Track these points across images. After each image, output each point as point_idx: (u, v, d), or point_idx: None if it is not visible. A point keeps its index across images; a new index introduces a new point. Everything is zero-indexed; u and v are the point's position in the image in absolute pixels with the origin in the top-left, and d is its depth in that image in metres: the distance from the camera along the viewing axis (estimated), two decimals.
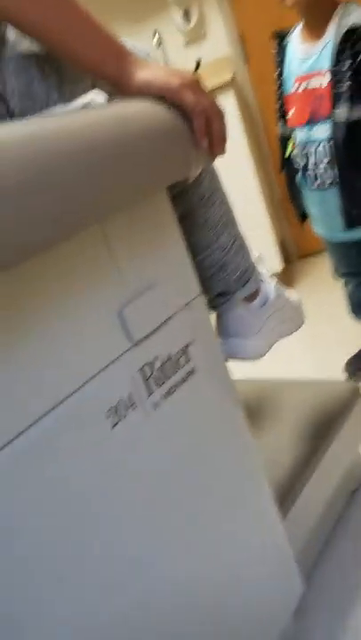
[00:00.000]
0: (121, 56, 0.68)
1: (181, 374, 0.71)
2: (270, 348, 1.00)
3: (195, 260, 0.90)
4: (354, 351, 1.72)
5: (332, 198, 1.34)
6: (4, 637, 0.52)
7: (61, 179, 0.51)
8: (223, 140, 0.72)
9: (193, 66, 2.54)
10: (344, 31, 1.18)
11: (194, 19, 2.60)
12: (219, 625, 0.77)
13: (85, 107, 0.70)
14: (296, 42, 1.35)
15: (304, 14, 1.29)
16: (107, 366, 0.62)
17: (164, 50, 2.66)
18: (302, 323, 1.10)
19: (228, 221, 0.91)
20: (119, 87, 0.69)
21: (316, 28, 1.27)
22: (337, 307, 2.14)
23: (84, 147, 0.54)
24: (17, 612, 0.53)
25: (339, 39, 1.19)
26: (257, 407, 1.25)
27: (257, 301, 0.95)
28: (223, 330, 0.95)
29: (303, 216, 1.51)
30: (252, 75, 2.66)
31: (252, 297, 0.95)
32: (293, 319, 1.07)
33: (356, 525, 1.17)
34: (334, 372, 1.71)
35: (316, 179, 1.35)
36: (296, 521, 0.99)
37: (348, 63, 1.19)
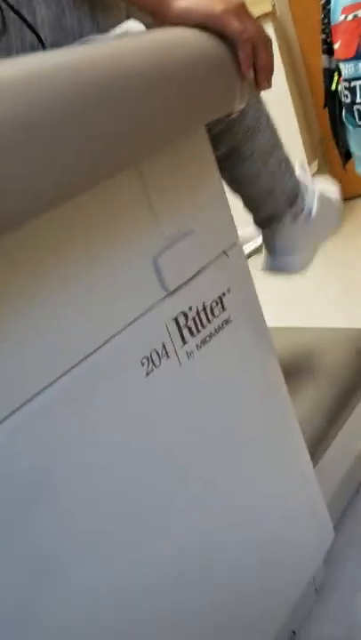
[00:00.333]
0: None
1: (217, 323, 0.70)
2: (315, 254, 1.00)
3: (243, 190, 0.88)
4: None
5: None
6: (44, 583, 0.53)
7: (90, 113, 0.47)
8: (270, 71, 0.67)
9: None
10: None
11: None
12: (251, 570, 0.78)
13: (121, 36, 0.66)
14: None
15: None
16: (141, 315, 0.61)
17: None
18: (339, 223, 1.10)
19: (275, 144, 0.88)
20: (158, 16, 0.64)
21: None
22: None
23: (117, 78, 0.50)
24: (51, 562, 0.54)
25: None
26: (291, 355, 1.23)
27: (303, 216, 0.94)
28: (272, 249, 0.95)
29: (346, 156, 1.43)
30: (292, 5, 2.49)
31: (299, 212, 0.93)
32: (333, 221, 1.06)
33: None
34: None
35: None
36: (327, 469, 0.99)
37: None
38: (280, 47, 2.28)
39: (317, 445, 0.99)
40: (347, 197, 2.84)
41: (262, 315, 0.78)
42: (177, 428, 0.66)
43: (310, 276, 2.22)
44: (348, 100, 1.29)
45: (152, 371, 0.62)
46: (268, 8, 2.15)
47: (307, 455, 0.88)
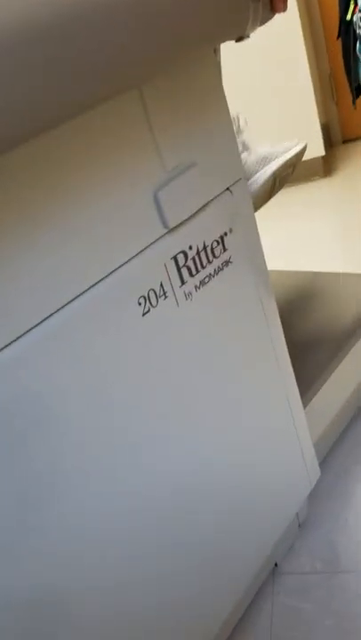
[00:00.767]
0: None
1: (217, 264, 0.68)
2: None
3: None
4: None
5: None
6: (38, 505, 0.54)
7: (91, 27, 0.43)
8: None
9: None
10: None
11: None
12: (238, 505, 0.80)
13: None
14: None
15: None
16: (139, 253, 0.59)
17: None
18: None
19: None
20: None
21: None
22: None
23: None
24: (48, 482, 0.55)
25: None
26: (289, 298, 1.23)
27: None
28: None
29: (357, 91, 1.37)
30: None
31: None
32: None
33: None
34: None
35: None
36: (317, 410, 1.01)
37: None
38: None
39: (310, 386, 1.00)
40: (349, 139, 2.77)
41: (263, 257, 0.76)
42: (173, 369, 0.66)
43: (308, 218, 2.18)
44: None
45: (148, 311, 0.61)
46: None
47: (297, 396, 0.89)
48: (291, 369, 0.87)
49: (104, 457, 0.60)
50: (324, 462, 1.11)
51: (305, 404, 0.96)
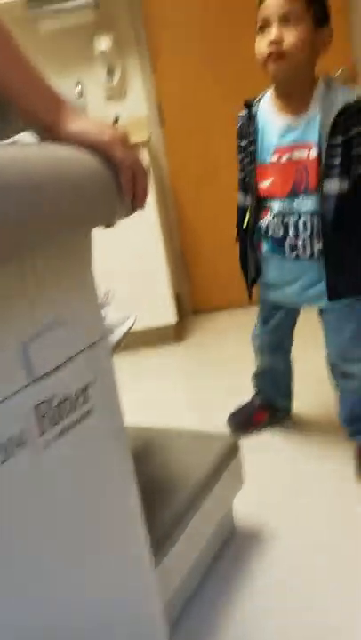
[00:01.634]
0: (58, 105, 0.71)
1: (77, 415, 0.72)
2: None
3: None
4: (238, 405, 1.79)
5: (310, 269, 1.37)
6: None
7: None
8: (145, 195, 0.77)
9: (111, 120, 2.63)
10: (339, 108, 1.22)
11: (117, 77, 2.71)
12: None
13: (9, 144, 0.71)
14: (269, 111, 1.36)
15: (283, 87, 1.32)
16: (2, 401, 0.62)
17: (85, 100, 2.73)
18: None
19: None
20: (52, 135, 0.71)
21: (295, 101, 1.31)
22: (225, 363, 2.25)
23: (5, 180, 0.55)
24: None
25: (332, 115, 1.23)
26: (140, 453, 1.26)
27: None
28: None
29: (253, 282, 1.52)
30: (166, 138, 2.80)
31: None
32: None
33: (223, 576, 1.20)
34: (220, 425, 1.77)
35: (293, 249, 1.37)
36: (167, 571, 1.00)
37: (339, 138, 1.24)
38: (152, 172, 2.53)
39: (161, 546, 1.00)
40: (198, 310, 3.08)
41: (121, 410, 0.82)
42: (29, 518, 0.65)
43: (160, 379, 2.31)
44: (280, 235, 1.37)
45: (7, 459, 0.62)
46: (145, 137, 2.39)
47: (148, 555, 0.89)
48: (142, 527, 0.87)
49: None
50: (176, 625, 1.08)
51: (156, 564, 0.96)
